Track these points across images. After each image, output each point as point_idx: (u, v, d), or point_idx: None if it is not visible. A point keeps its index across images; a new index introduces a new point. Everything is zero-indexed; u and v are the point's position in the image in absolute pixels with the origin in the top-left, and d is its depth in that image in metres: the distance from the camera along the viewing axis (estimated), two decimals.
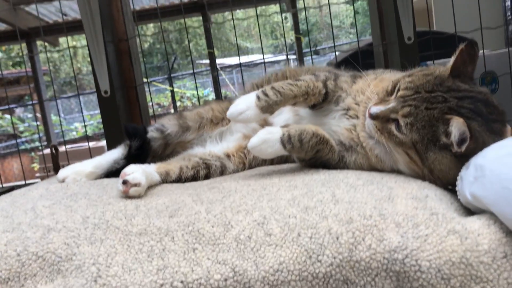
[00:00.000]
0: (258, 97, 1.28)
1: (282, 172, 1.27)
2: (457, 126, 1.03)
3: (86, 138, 2.69)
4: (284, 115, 1.47)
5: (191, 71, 2.42)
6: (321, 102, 1.36)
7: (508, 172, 0.85)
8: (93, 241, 0.98)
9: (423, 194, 1.01)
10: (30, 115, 10.56)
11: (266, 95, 1.28)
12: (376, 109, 1.17)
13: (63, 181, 1.43)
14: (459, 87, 1.11)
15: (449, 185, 1.11)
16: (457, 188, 1.03)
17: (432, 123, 1.08)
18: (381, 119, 1.16)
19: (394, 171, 1.21)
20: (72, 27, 5.49)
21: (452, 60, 1.15)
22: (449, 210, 0.95)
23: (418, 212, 0.94)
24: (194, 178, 1.42)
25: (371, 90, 1.26)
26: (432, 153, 1.08)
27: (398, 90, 1.16)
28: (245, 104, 1.28)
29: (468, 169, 0.98)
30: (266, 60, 2.58)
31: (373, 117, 1.17)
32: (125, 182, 1.16)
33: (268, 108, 1.28)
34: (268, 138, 1.21)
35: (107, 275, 0.90)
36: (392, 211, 0.95)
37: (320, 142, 1.24)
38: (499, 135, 1.08)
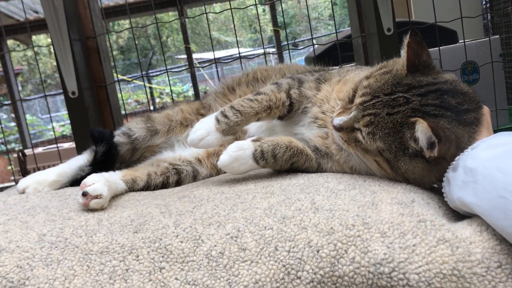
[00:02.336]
0: (218, 120, 1.20)
1: (259, 177, 1.18)
2: (422, 131, 0.92)
3: (55, 140, 2.57)
4: (257, 122, 1.39)
5: (166, 68, 2.32)
6: (287, 113, 1.28)
7: (504, 178, 0.77)
8: (49, 263, 0.89)
9: (409, 199, 0.93)
10: (5, 116, 10.27)
11: (225, 116, 1.20)
12: (338, 121, 1.08)
13: (23, 192, 1.32)
14: (420, 82, 1.01)
15: (430, 186, 1.03)
16: (443, 190, 0.95)
17: (397, 130, 0.97)
18: (346, 130, 1.07)
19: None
20: (44, 25, 5.31)
21: (403, 56, 1.04)
22: (437, 216, 0.87)
23: (404, 219, 0.87)
24: (164, 185, 1.33)
25: (334, 98, 1.18)
26: (402, 162, 0.98)
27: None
28: (204, 129, 1.20)
29: (456, 171, 0.90)
30: (245, 54, 2.48)
31: (337, 128, 1.08)
32: (85, 194, 1.06)
33: (229, 130, 1.20)
34: (239, 156, 1.13)
35: None
36: (376, 219, 0.87)
37: (295, 155, 1.16)
38: (475, 125, 0.98)
